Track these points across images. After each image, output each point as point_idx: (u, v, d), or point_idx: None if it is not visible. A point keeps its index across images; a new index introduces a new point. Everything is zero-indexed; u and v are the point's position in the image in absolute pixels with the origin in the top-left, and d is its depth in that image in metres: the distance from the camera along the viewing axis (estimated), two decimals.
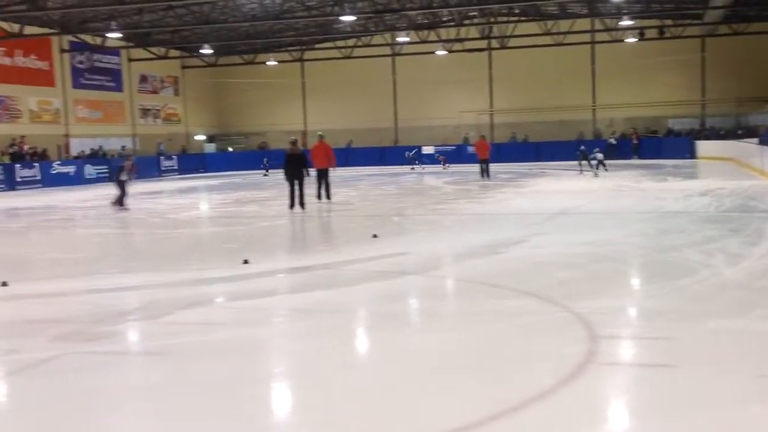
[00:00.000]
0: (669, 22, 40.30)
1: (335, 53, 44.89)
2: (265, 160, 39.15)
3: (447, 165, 38.42)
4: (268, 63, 46.37)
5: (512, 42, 41.59)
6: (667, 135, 43.79)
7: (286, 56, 46.94)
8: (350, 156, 42.00)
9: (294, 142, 19.65)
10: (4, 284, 9.19)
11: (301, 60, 48.02)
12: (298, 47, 47.02)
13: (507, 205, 19.32)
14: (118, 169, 21.09)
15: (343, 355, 6.21)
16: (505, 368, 5.67)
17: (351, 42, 44.26)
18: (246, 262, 10.37)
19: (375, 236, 12.81)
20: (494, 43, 43.08)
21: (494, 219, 16.30)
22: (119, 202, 20.30)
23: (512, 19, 41.79)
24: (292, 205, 18.68)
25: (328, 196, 20.69)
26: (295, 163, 18.72)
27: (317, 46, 46.73)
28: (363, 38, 43.61)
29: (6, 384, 5.75)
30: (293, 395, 5.38)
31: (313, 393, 5.25)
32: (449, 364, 5.80)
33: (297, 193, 18.69)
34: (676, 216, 15.26)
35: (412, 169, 39.17)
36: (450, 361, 5.90)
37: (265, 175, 37.09)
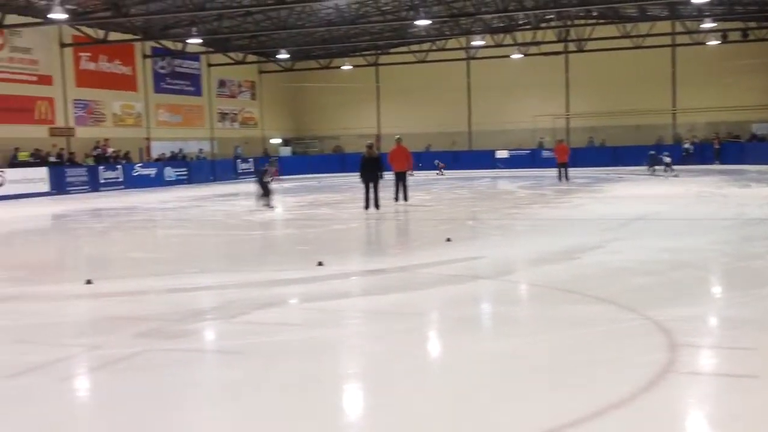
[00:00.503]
0: (753, 24, 39.15)
1: (410, 57, 45.00)
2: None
3: (443, 172, 38.65)
4: (343, 67, 46.79)
5: (590, 45, 40.99)
6: (750, 140, 42.47)
7: (360, 60, 47.27)
8: (423, 160, 41.94)
9: (370, 146, 20.15)
10: (89, 282, 9.48)
11: (375, 64, 48.29)
12: (373, 52, 47.31)
13: (583, 210, 19.04)
14: (261, 171, 21.97)
15: (416, 359, 6.21)
16: (580, 375, 5.58)
17: (425, 46, 44.30)
18: (320, 264, 10.47)
19: (449, 240, 12.78)
20: (571, 46, 42.52)
21: (570, 224, 16.08)
22: (266, 202, 21.02)
23: (590, 21, 41.20)
24: (367, 207, 19.28)
25: (406, 198, 21.27)
26: (370, 166, 19.34)
27: (392, 50, 46.94)
28: (438, 42, 43.59)
29: (90, 379, 5.93)
30: (366, 397, 5.40)
31: (385, 396, 5.26)
32: (523, 370, 5.74)
33: (372, 195, 19.26)
34: (760, 223, 14.79)
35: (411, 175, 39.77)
36: (524, 367, 5.84)
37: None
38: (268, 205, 20.97)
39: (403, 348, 6.44)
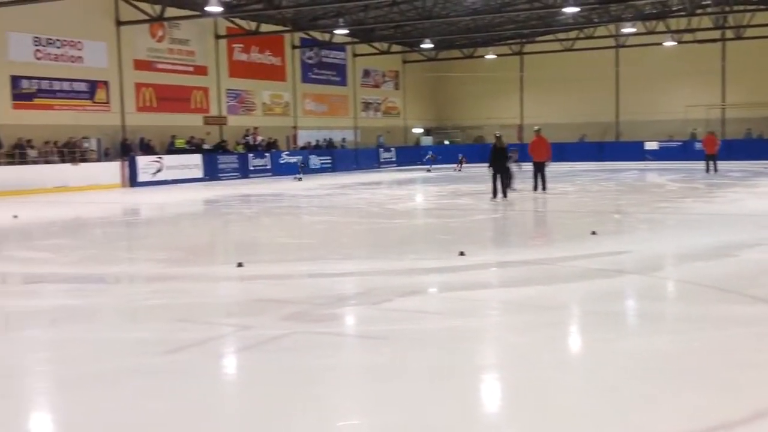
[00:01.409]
0: None
1: (556, 46, 44.12)
2: (430, 154, 39.13)
3: (461, 167, 36.95)
4: (486, 57, 46.44)
5: (749, 32, 38.85)
6: None
7: (505, 49, 46.78)
8: (566, 151, 41.03)
9: (499, 137, 20.76)
10: (240, 265, 9.89)
11: (520, 53, 47.67)
12: (518, 40, 46.68)
13: (739, 205, 18.12)
14: (506, 158, 22.47)
15: (557, 353, 6.12)
16: (733, 377, 5.34)
17: (573, 34, 43.30)
18: (462, 254, 10.48)
19: (594, 233, 12.49)
20: (729, 34, 40.44)
21: (725, 219, 15.34)
22: (509, 185, 21.52)
23: (749, 7, 39.01)
24: (494, 196, 19.83)
25: (544, 188, 21.75)
26: (499, 157, 20.02)
27: (537, 38, 46.15)
28: (585, 30, 42.51)
29: (240, 358, 6.20)
30: (506, 389, 5.37)
31: (525, 389, 5.22)
32: (671, 370, 5.55)
33: (499, 184, 19.92)
34: None
35: (429, 171, 37.74)
36: (672, 366, 5.64)
37: (429, 171, 37.22)
38: (510, 188, 21.44)
39: (543, 342, 6.37)
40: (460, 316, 7.34)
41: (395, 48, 46.65)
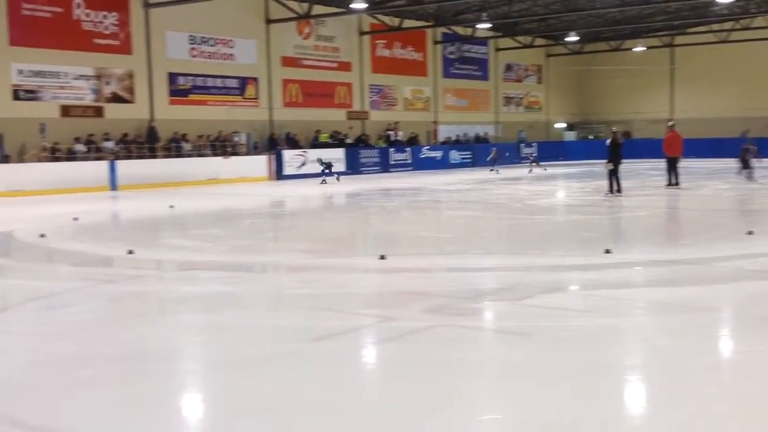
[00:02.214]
0: None
1: (709, 37, 42.16)
2: (493, 151, 35.96)
3: (535, 166, 34.31)
4: (634, 49, 44.95)
5: None
6: None
7: (654, 42, 45.13)
8: (719, 147, 39.07)
9: (615, 133, 21.06)
10: (382, 257, 10.03)
11: (670, 45, 45.87)
12: (668, 32, 44.91)
13: None
14: (743, 150, 24.02)
15: (708, 356, 5.87)
16: None
17: (728, 25, 41.25)
18: (608, 251, 10.21)
19: (750, 233, 11.87)
20: None
21: None
22: (747, 175, 22.70)
23: None
24: (611, 191, 19.75)
25: (677, 183, 21.78)
26: (617, 152, 20.02)
27: (689, 30, 44.24)
28: (741, 21, 40.38)
29: (382, 348, 6.29)
30: (651, 391, 5.18)
31: (670, 394, 5.01)
32: None
33: (614, 179, 19.87)
34: None
35: (491, 170, 33.99)
36: None
37: (494, 171, 33.67)
38: (750, 178, 22.16)
39: (693, 343, 6.12)
40: (605, 315, 7.16)
41: (539, 41, 45.90)
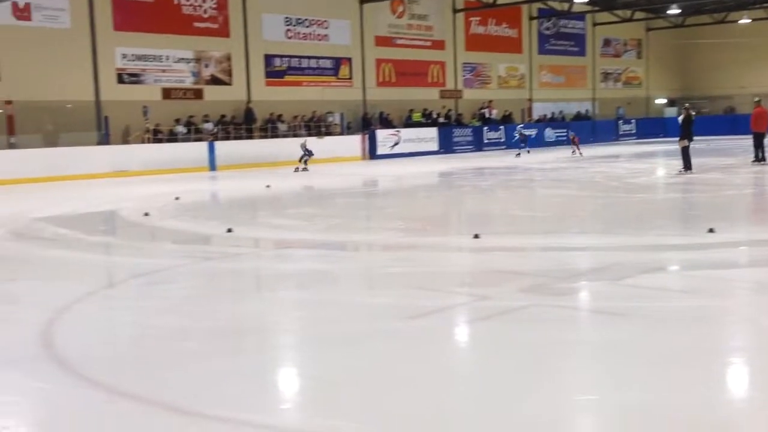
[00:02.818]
0: None
1: None
2: (518, 132, 32.03)
3: (578, 149, 29.46)
4: (740, 21, 43.10)
5: None
6: None
7: (760, 13, 43.15)
8: None
9: (688, 109, 20.59)
10: (476, 236, 9.98)
11: None
12: None
13: None
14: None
15: None
16: None
17: None
18: (711, 230, 9.88)
19: None
20: None
21: None
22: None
23: None
24: (687, 168, 19.59)
25: (764, 159, 21.71)
26: (689, 128, 19.76)
27: None
28: None
29: (477, 327, 6.25)
30: (754, 376, 4.99)
31: None
32: None
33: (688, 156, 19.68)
34: None
35: (518, 155, 29.72)
36: None
37: (519, 155, 29.90)
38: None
39: None
40: (707, 295, 6.94)
41: (638, 15, 44.54)
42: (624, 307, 6.51)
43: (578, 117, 42.04)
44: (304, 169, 24.61)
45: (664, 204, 15.07)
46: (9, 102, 22.95)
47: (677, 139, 19.99)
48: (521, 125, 33.56)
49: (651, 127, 43.65)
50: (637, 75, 47.54)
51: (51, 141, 24.15)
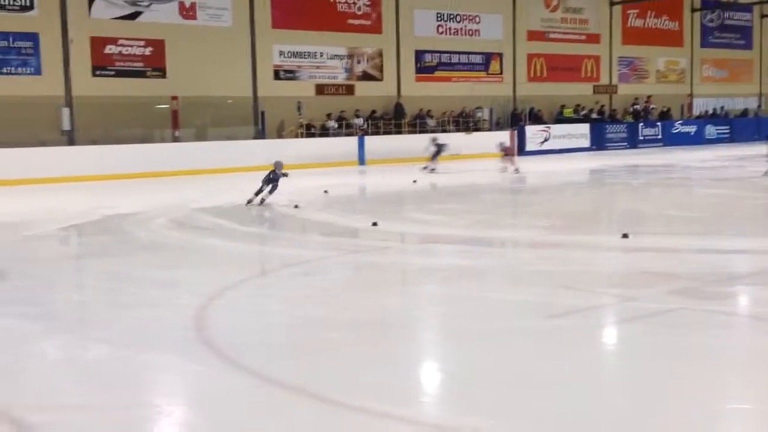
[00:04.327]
0: None
1: None
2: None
3: (512, 165, 21.16)
4: None
5: None
6: None
7: None
8: None
9: None
10: (625, 236, 9.68)
11: None
12: None
13: None
14: None
15: None
16: None
17: None
18: None
19: None
20: None
21: None
22: None
23: None
24: None
25: None
26: None
27: None
28: None
29: (623, 329, 6.09)
30: None
31: None
32: None
33: None
34: None
35: (426, 168, 22.25)
36: None
37: (427, 168, 22.31)
38: None
39: None
40: None
41: None
42: None
43: (744, 114, 39.87)
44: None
45: None
46: (175, 98, 24.25)
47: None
48: (433, 136, 24.02)
49: None
50: None
51: (211, 135, 25.34)
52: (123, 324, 6.38)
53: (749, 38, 41.40)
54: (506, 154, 22.34)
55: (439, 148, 22.77)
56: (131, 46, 23.80)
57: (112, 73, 23.49)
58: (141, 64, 23.97)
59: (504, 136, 27.82)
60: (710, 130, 36.67)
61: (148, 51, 24.09)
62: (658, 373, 4.90)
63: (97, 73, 23.26)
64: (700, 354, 5.24)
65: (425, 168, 22.29)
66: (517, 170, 21.28)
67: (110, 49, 23.42)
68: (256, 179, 14.99)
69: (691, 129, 36.03)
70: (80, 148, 22.15)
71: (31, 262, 9.32)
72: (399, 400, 4.54)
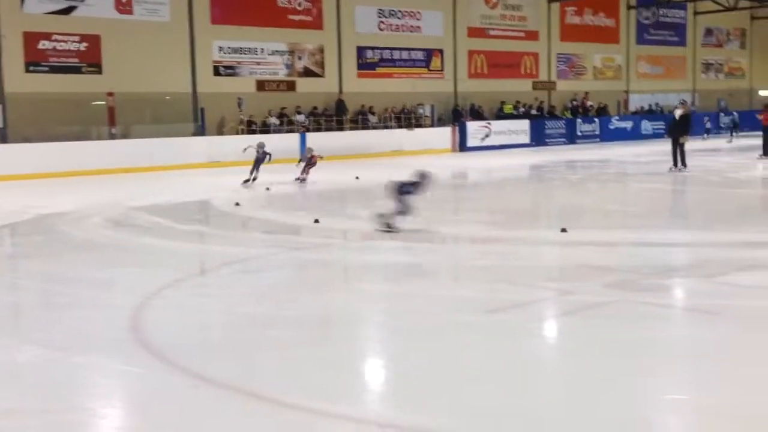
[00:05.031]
0: None
1: None
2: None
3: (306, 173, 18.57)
4: None
5: None
6: None
7: None
8: None
9: (685, 103, 20.48)
10: (564, 230, 9.81)
11: None
12: None
13: None
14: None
15: None
16: None
17: None
18: None
19: None
20: None
21: None
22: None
23: None
24: (675, 165, 18.64)
25: None
26: (680, 125, 19.02)
27: None
28: None
29: (560, 322, 6.17)
30: None
31: None
32: None
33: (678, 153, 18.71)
34: None
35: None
36: None
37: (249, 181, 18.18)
38: None
39: None
40: None
41: (743, 3, 42.78)
42: (716, 305, 6.30)
43: (650, 110, 40.54)
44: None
45: (765, 200, 14.48)
46: (110, 94, 23.76)
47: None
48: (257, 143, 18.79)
49: (754, 120, 41.93)
50: (740, 66, 45.76)
51: (149, 132, 24.91)
52: (57, 325, 6.22)
53: (683, 35, 42.36)
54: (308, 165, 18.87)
55: (263, 157, 18.26)
56: (66, 41, 23.25)
57: (46, 69, 22.92)
58: (76, 60, 23.44)
59: (445, 133, 27.95)
60: (646, 126, 37.42)
61: (83, 46, 23.57)
62: (597, 365, 4.96)
63: (31, 69, 22.66)
64: (638, 345, 5.32)
65: (249, 180, 17.70)
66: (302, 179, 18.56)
67: (44, 44, 22.85)
68: (196, 176, 14.77)
69: (628, 125, 36.73)
70: (13, 146, 21.56)
71: None
72: (343, 399, 4.51)
